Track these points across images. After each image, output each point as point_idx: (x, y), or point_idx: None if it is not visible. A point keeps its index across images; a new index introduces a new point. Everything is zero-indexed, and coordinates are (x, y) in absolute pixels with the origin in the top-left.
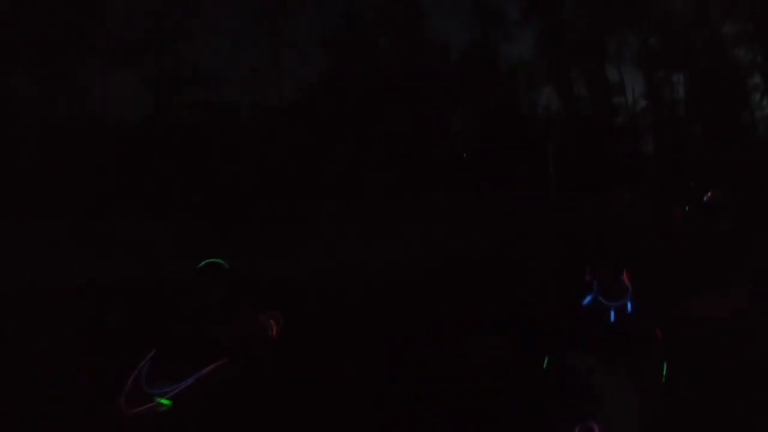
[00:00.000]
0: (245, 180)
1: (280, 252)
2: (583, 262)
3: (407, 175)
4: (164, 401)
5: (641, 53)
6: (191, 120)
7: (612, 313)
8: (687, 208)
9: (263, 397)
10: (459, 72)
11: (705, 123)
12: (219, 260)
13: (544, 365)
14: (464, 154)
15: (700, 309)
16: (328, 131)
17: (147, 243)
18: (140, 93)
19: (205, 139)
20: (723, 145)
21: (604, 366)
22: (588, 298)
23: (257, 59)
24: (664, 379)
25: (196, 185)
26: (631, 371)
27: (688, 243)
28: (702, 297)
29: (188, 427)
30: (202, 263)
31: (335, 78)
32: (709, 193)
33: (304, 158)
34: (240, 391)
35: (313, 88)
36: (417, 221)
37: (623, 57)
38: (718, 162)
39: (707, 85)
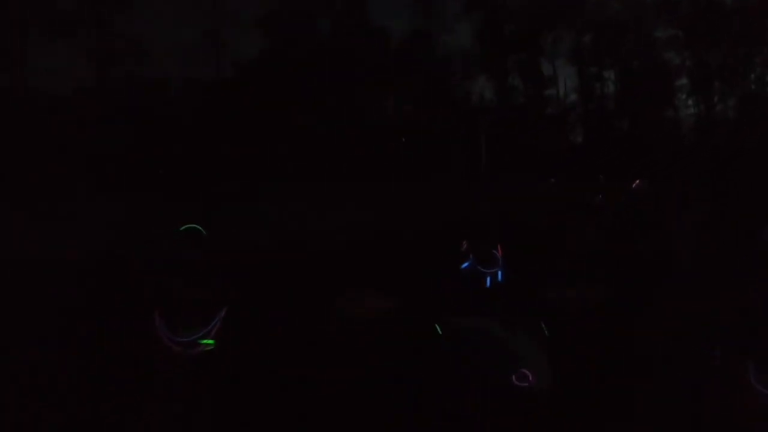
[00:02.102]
0: (178, 155)
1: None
2: (464, 234)
3: (341, 156)
4: (208, 341)
5: (575, 50)
6: (128, 93)
7: (488, 279)
8: (600, 196)
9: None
10: (397, 57)
11: (632, 119)
12: (197, 226)
13: (438, 329)
14: (402, 139)
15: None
16: (264, 109)
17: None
18: (79, 66)
19: (141, 113)
20: (648, 140)
21: (499, 324)
22: (466, 264)
23: (197, 35)
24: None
25: (134, 159)
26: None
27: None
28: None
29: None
30: (182, 227)
31: (273, 57)
32: (637, 182)
33: (240, 135)
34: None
35: (253, 65)
36: (347, 202)
37: (557, 52)
38: (643, 156)
39: (636, 84)
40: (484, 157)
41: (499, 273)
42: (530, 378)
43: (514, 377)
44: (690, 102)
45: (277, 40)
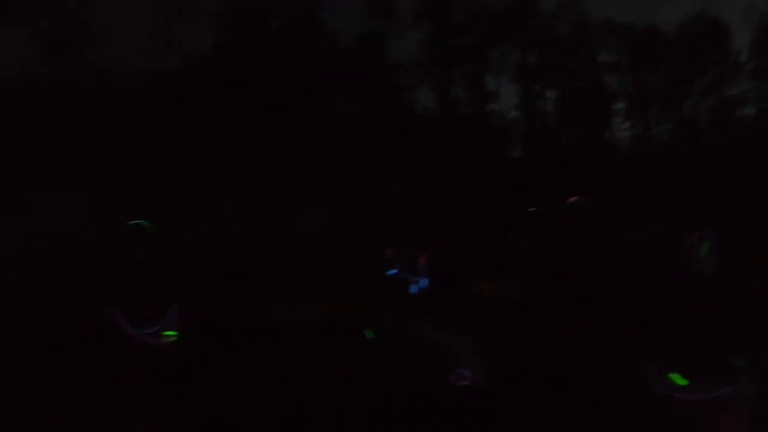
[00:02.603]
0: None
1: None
2: (391, 242)
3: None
4: (170, 333)
5: (520, 67)
6: (80, 81)
7: (414, 287)
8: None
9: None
10: (345, 60)
11: (570, 137)
12: (143, 222)
13: (370, 334)
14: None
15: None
16: (211, 104)
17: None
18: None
19: (92, 101)
20: (585, 158)
21: (430, 327)
22: (392, 271)
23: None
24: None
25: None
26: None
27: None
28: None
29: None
30: (129, 223)
31: (224, 51)
32: (574, 198)
33: (189, 129)
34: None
35: (206, 58)
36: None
37: (503, 68)
38: (580, 173)
39: (577, 104)
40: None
41: (424, 281)
42: (467, 376)
43: (451, 377)
44: (627, 124)
45: (229, 35)
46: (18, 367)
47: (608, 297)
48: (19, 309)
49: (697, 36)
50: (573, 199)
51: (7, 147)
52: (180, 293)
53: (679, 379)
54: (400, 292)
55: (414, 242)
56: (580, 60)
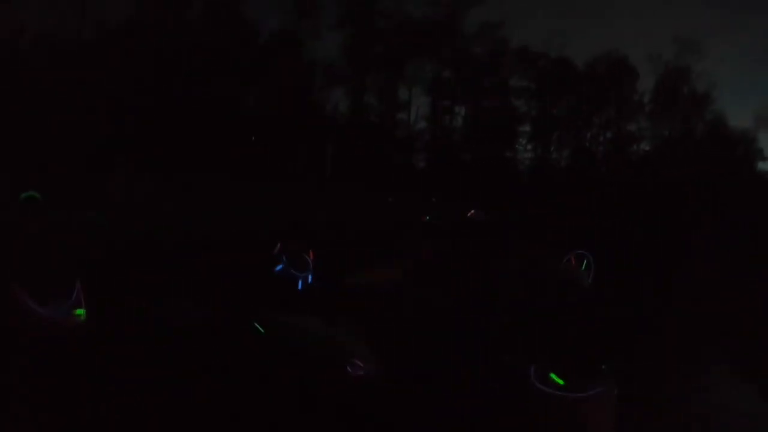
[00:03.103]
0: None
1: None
2: (279, 238)
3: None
4: (80, 311)
5: (433, 81)
6: None
7: (300, 282)
8: (428, 217)
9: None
10: (263, 55)
11: (473, 153)
12: (35, 193)
13: (259, 327)
14: (252, 138)
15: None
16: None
17: None
18: None
19: None
20: (485, 175)
21: (319, 320)
22: (279, 267)
23: None
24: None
25: None
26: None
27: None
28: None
29: None
30: (24, 194)
31: (138, 29)
32: (472, 212)
33: (86, 106)
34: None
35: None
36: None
37: (416, 80)
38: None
39: (483, 122)
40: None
41: (310, 276)
42: (362, 366)
43: (348, 367)
44: (529, 147)
45: (145, 15)
46: None
47: (492, 301)
48: None
49: (603, 73)
50: (470, 213)
51: None
52: (82, 270)
53: (557, 379)
54: (285, 287)
55: (301, 239)
56: (492, 81)
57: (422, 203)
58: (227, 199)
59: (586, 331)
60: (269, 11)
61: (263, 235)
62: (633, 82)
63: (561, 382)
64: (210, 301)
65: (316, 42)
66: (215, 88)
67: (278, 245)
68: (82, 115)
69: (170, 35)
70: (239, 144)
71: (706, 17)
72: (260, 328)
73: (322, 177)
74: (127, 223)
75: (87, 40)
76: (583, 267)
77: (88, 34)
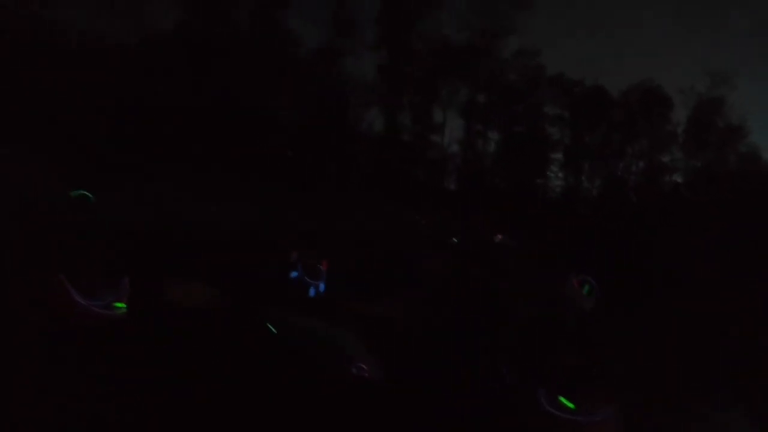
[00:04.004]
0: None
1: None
2: (297, 247)
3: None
4: (120, 305)
5: (467, 105)
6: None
7: (312, 289)
8: (455, 239)
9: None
10: (305, 70)
11: (504, 178)
12: (85, 192)
13: (271, 328)
14: (289, 152)
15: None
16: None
17: None
18: None
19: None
20: (515, 199)
21: (327, 325)
22: (294, 274)
23: None
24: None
25: None
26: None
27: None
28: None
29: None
30: (74, 192)
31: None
32: (499, 236)
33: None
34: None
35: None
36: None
37: (450, 103)
38: (507, 213)
39: (515, 148)
40: (355, 181)
41: (322, 285)
42: (366, 369)
43: (353, 369)
44: (560, 174)
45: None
46: None
47: (505, 322)
48: None
49: (637, 102)
50: (497, 237)
51: None
52: (130, 266)
53: (567, 403)
54: (298, 293)
55: (317, 249)
56: (526, 108)
57: (451, 225)
58: (258, 205)
59: (590, 355)
60: (308, 28)
61: (285, 241)
62: (667, 112)
63: (572, 406)
64: (228, 297)
65: (354, 60)
66: (254, 100)
67: (295, 254)
68: (127, 117)
69: (212, 48)
70: (273, 155)
71: (738, 47)
72: (272, 329)
73: (352, 192)
74: (164, 222)
75: (134, 48)
76: (588, 291)
77: (134, 41)
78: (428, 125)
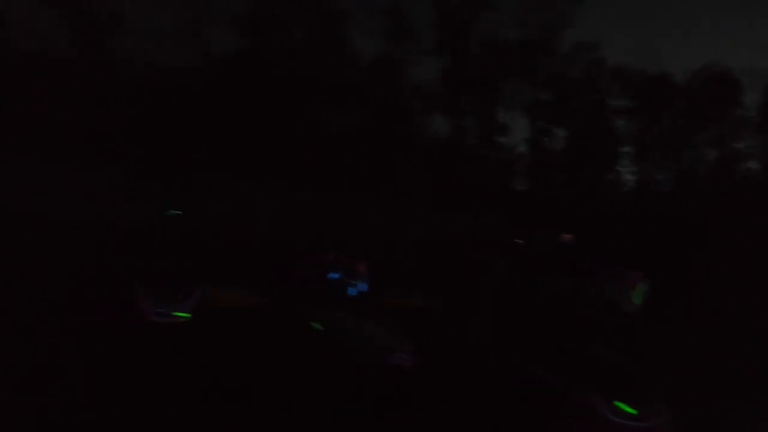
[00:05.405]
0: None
1: None
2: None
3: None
4: (183, 314)
5: (530, 103)
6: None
7: (352, 289)
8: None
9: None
10: (363, 79)
11: (572, 176)
12: (178, 212)
13: (317, 325)
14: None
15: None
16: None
17: None
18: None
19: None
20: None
21: (367, 321)
22: (335, 275)
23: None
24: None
25: None
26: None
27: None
28: None
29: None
30: (171, 212)
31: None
32: (567, 236)
33: (208, 129)
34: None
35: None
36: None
37: (514, 103)
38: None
39: (583, 145)
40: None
41: (364, 285)
42: (403, 359)
43: (390, 358)
44: (630, 168)
45: (251, 42)
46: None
47: (560, 322)
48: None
49: (704, 88)
50: (567, 236)
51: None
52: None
53: (627, 408)
54: (338, 292)
55: (357, 251)
56: (590, 102)
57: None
58: (316, 214)
59: (635, 356)
60: (365, 37)
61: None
62: (737, 95)
63: (634, 411)
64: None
65: (414, 67)
66: (315, 111)
67: (331, 255)
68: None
69: (272, 61)
70: (337, 164)
71: None
72: (317, 325)
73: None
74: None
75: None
76: (642, 291)
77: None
78: (492, 127)
